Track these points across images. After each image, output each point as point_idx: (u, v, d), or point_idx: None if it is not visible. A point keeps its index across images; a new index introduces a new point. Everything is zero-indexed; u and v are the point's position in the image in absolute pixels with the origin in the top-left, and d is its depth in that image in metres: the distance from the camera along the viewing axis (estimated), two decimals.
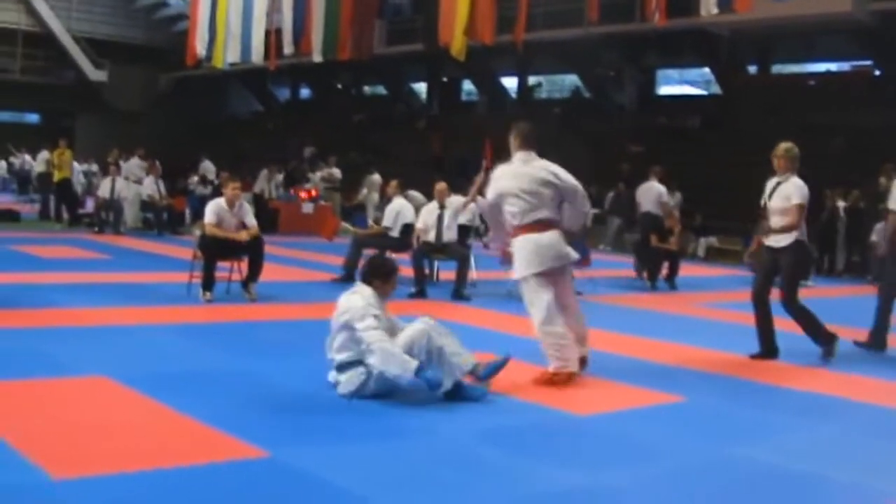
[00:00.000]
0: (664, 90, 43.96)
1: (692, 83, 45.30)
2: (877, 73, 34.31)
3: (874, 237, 21.87)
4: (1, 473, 5.38)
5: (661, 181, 20.07)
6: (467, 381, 7.74)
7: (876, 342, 11.63)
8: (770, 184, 10.62)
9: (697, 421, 7.56)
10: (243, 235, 13.02)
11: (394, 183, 16.82)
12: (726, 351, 10.93)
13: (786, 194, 10.26)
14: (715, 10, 23.66)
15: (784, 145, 10.64)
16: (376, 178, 30.47)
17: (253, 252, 13.11)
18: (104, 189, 23.99)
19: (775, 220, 10.43)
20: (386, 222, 16.08)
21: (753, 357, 10.43)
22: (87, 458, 5.72)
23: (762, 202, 10.67)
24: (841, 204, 23.43)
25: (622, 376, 8.98)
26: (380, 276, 7.94)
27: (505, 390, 8.12)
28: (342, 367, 7.66)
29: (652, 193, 19.84)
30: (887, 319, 11.65)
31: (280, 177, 30.94)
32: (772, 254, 10.58)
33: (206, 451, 6.01)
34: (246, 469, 5.71)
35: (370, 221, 24.23)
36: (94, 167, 30.53)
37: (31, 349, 6.84)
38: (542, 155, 9.05)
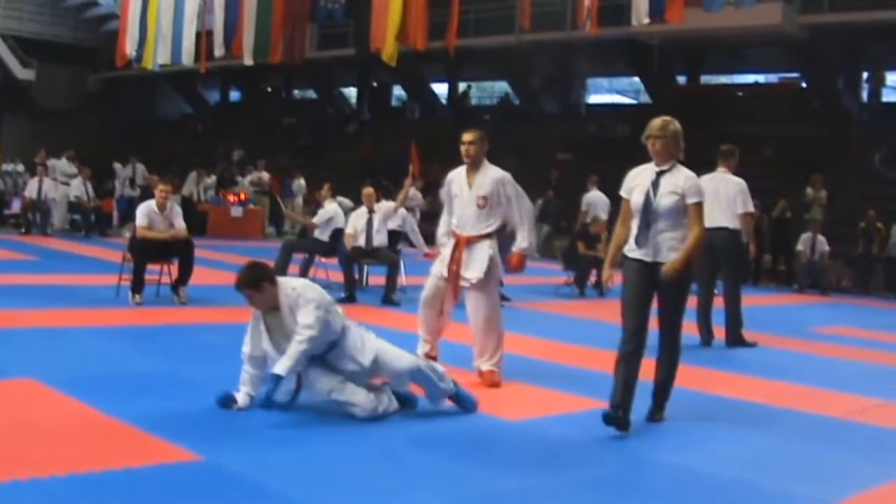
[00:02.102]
0: (594, 98, 44.21)
1: (622, 92, 45.59)
2: (804, 85, 34.71)
3: (800, 246, 22.21)
4: None
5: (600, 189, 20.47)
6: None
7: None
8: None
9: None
10: (170, 236, 13.00)
11: (326, 187, 16.81)
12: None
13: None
14: (646, 20, 23.86)
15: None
16: (301, 182, 30.51)
17: (183, 255, 13.08)
18: (31, 190, 23.80)
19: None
20: (318, 226, 16.04)
21: None
22: (17, 462, 5.67)
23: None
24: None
25: (552, 382, 9.04)
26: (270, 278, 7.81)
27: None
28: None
29: (603, 201, 20.41)
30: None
31: (210, 180, 30.78)
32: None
33: (139, 454, 5.98)
34: (179, 472, 5.69)
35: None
36: (21, 167, 30.20)
37: None
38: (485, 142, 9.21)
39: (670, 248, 7.43)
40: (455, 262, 8.99)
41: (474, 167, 9.13)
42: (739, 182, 12.12)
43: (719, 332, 12.31)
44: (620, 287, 7.66)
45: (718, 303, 12.58)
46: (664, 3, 23.49)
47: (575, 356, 10.81)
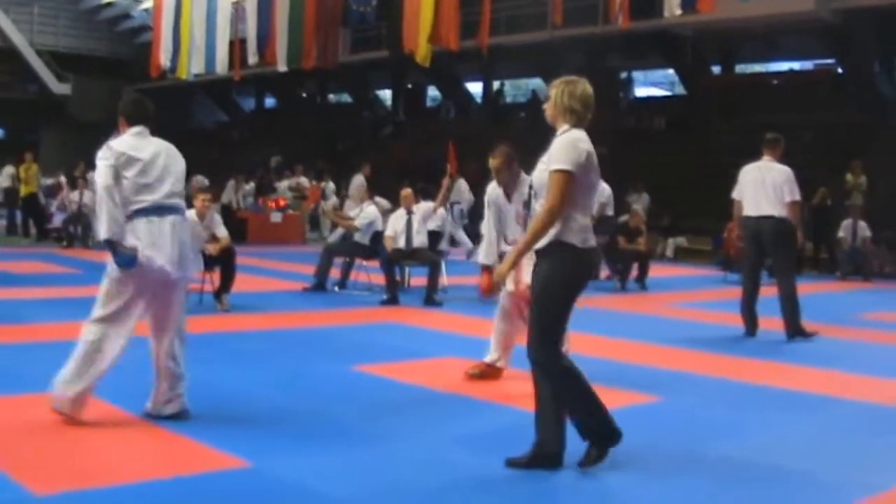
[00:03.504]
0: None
1: (657, 84, 45.42)
2: (839, 71, 34.45)
3: (841, 233, 22.04)
4: None
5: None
6: None
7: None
8: None
9: (674, 420, 7.59)
10: (215, 249, 13.00)
11: (363, 189, 16.82)
12: (700, 350, 10.99)
13: None
14: (678, 11, 23.81)
15: None
16: (331, 185, 30.59)
17: (224, 263, 13.11)
18: (72, 203, 23.90)
19: None
20: (359, 228, 16.01)
21: None
22: (68, 474, 5.70)
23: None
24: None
25: (597, 378, 8.96)
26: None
27: (481, 395, 8.16)
28: None
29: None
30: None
31: (248, 187, 30.87)
32: None
33: (188, 462, 6.01)
34: (229, 479, 5.71)
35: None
36: (63, 180, 30.34)
37: (2, 366, 6.81)
38: (512, 160, 9.11)
39: None
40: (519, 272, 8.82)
41: (510, 187, 9.10)
42: (786, 170, 11.96)
43: (765, 323, 12.21)
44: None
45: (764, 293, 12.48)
46: None
47: (618, 350, 10.76)
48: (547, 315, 6.12)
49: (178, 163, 7.15)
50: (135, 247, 6.71)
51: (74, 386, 6.71)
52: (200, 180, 31.26)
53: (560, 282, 6.07)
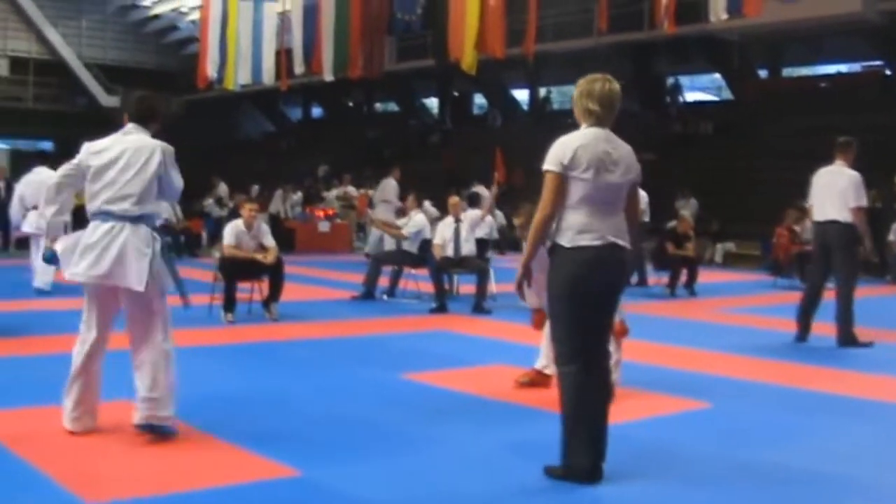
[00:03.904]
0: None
1: (704, 89, 45.25)
2: (888, 72, 34.21)
3: (891, 236, 21.87)
4: (35, 499, 5.42)
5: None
6: None
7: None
8: None
9: (725, 427, 7.55)
10: (269, 258, 13.02)
11: (411, 198, 16.85)
12: (750, 356, 10.92)
13: None
14: (724, 16, 23.64)
15: None
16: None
17: (273, 272, 13.14)
18: None
19: None
20: (407, 237, 16.02)
21: None
22: (118, 482, 5.74)
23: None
24: None
25: (647, 384, 8.96)
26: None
27: (530, 402, 8.14)
28: None
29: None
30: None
31: (296, 197, 30.98)
32: None
33: (238, 471, 6.02)
34: (279, 488, 5.72)
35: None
36: None
37: (54, 375, 6.86)
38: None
39: None
40: None
41: None
42: (853, 175, 11.74)
43: (817, 328, 12.11)
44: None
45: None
46: None
47: (668, 357, 10.71)
48: (554, 321, 6.09)
49: (148, 165, 6.71)
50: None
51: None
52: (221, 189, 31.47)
53: (556, 284, 6.00)
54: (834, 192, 11.67)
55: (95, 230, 6.60)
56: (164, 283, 6.78)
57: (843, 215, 11.61)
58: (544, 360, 8.82)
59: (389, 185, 24.35)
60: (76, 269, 6.63)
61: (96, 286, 6.65)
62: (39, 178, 14.46)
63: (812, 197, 12.05)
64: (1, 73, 53.83)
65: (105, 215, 6.60)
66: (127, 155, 6.71)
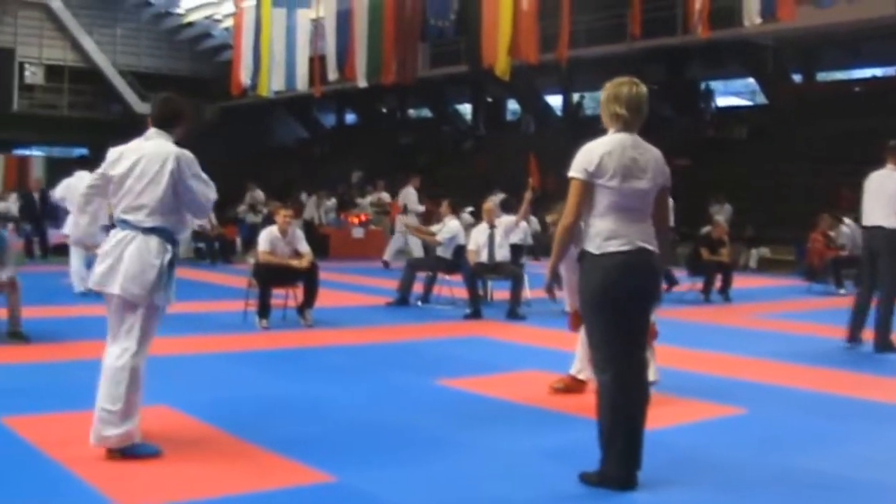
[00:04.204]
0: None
1: (738, 94, 45.07)
2: None
3: None
4: (69, 503, 5.46)
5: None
6: None
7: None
8: None
9: (761, 433, 7.51)
10: (304, 263, 13.05)
11: (445, 204, 16.84)
12: (785, 361, 10.88)
13: None
14: (758, 20, 23.58)
15: None
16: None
17: (308, 278, 13.16)
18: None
19: None
20: (441, 242, 16.04)
21: None
22: (155, 488, 5.76)
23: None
24: None
25: (682, 390, 8.94)
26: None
27: (565, 408, 8.13)
28: None
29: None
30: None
31: (330, 203, 31.03)
32: None
33: (274, 477, 6.04)
34: (315, 494, 5.74)
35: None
36: None
37: (89, 381, 6.87)
38: None
39: None
40: None
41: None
42: None
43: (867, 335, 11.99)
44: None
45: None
46: (775, 2, 23.15)
47: (703, 362, 10.69)
48: (589, 328, 6.05)
49: (161, 174, 6.47)
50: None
51: None
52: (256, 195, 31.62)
53: (586, 291, 5.98)
54: (882, 196, 11.44)
55: (111, 238, 6.55)
56: (161, 297, 6.52)
57: (890, 221, 11.38)
58: (579, 364, 8.81)
59: (409, 194, 24.43)
60: (92, 277, 6.64)
61: (110, 295, 6.50)
62: (83, 183, 14.57)
63: (863, 202, 11.85)
64: (36, 81, 54.21)
65: (122, 223, 6.54)
66: (143, 163, 6.54)
